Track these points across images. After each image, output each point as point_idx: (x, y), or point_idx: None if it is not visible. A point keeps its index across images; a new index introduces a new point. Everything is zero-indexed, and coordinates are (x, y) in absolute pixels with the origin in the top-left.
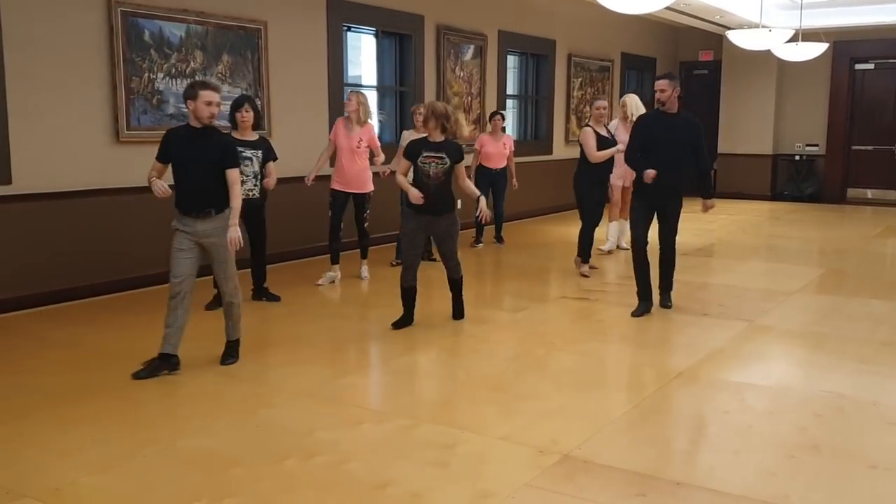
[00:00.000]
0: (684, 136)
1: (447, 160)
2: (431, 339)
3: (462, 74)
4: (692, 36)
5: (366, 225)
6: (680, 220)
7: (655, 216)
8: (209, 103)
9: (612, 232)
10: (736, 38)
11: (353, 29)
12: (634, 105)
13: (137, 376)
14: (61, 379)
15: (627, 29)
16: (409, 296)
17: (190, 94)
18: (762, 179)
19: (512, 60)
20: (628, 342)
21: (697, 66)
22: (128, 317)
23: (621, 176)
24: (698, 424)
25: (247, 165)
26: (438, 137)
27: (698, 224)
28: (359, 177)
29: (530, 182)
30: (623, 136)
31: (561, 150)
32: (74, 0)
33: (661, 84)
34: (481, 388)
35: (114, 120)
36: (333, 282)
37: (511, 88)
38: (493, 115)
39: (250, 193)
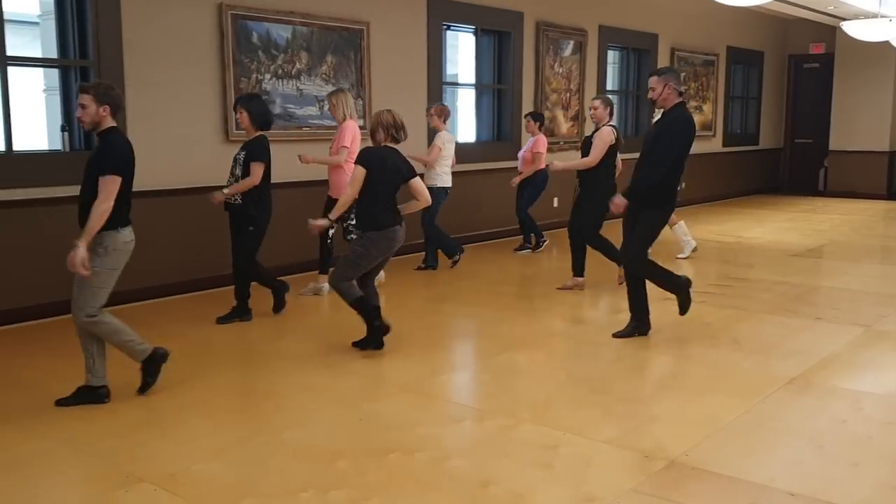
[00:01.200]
0: (653, 138)
1: None
2: (530, 339)
3: (561, 71)
4: (802, 28)
5: (347, 237)
6: (648, 232)
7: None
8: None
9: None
10: (852, 29)
11: (452, 27)
12: None
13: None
14: (173, 368)
15: (734, 21)
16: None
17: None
18: (877, 177)
19: (612, 56)
20: (737, 346)
21: (808, 60)
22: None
23: None
24: (813, 433)
25: (234, 167)
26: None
27: (809, 224)
28: (334, 181)
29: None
30: None
31: None
32: (188, 4)
33: (650, 82)
34: (583, 389)
35: (224, 120)
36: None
37: (611, 84)
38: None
39: (231, 198)
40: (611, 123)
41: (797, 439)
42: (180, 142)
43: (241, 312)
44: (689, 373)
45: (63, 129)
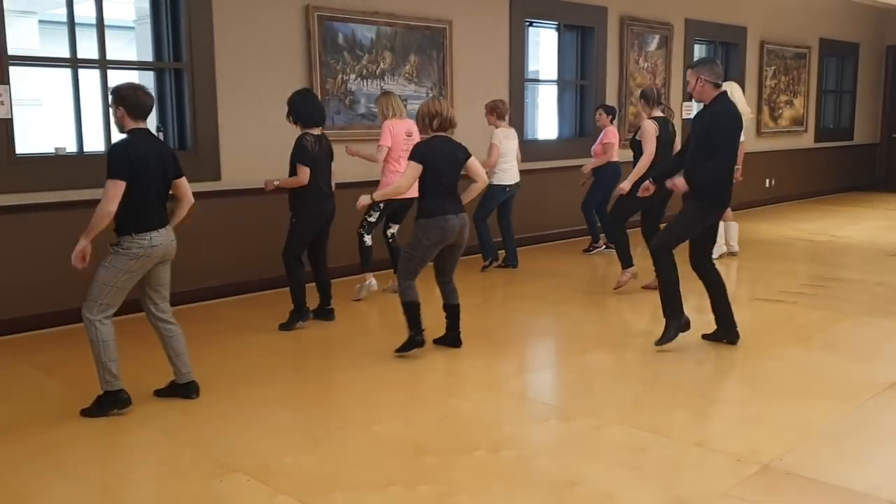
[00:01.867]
0: (701, 129)
1: None
2: (615, 339)
3: (646, 66)
4: None
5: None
6: (689, 227)
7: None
8: None
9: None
10: None
11: (535, 24)
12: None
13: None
14: (262, 362)
15: (827, 12)
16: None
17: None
18: None
19: (700, 50)
20: (832, 349)
21: None
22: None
23: None
24: None
25: None
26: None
27: None
28: (382, 182)
29: None
30: None
31: (752, 143)
32: (276, 7)
33: (686, 75)
34: (671, 390)
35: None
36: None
37: None
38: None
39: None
40: (655, 116)
41: None
42: (270, 141)
43: (297, 315)
44: (782, 375)
45: (158, 129)
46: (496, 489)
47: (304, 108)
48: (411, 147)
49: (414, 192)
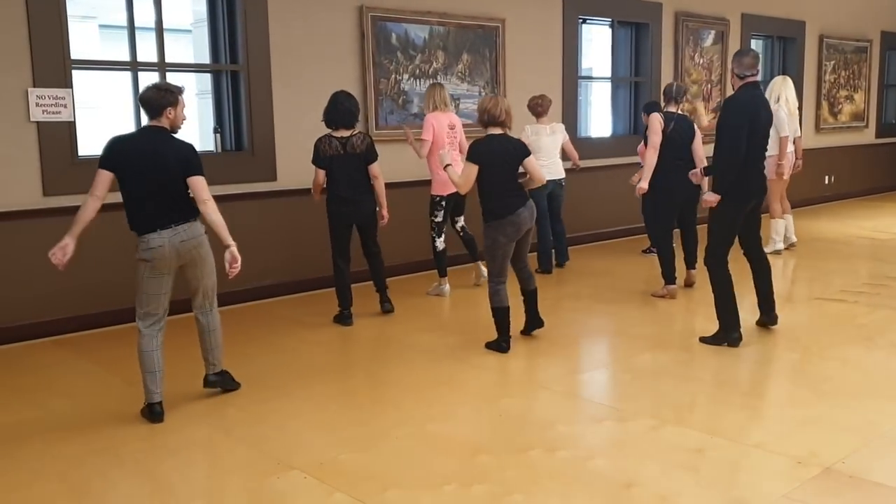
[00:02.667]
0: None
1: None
2: (670, 339)
3: (701, 61)
4: None
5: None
6: (717, 227)
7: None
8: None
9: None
10: None
11: (588, 20)
12: (778, 87)
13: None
14: (318, 360)
15: (889, 4)
16: (505, 316)
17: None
18: None
19: (756, 44)
20: (895, 349)
21: None
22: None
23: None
24: None
25: None
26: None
27: None
28: (432, 178)
29: None
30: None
31: (810, 139)
32: (330, 8)
33: None
34: (729, 391)
35: (364, 120)
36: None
37: None
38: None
39: None
40: (667, 110)
41: None
42: None
43: (338, 317)
44: (844, 376)
45: (215, 130)
46: (551, 489)
47: (327, 110)
48: (455, 139)
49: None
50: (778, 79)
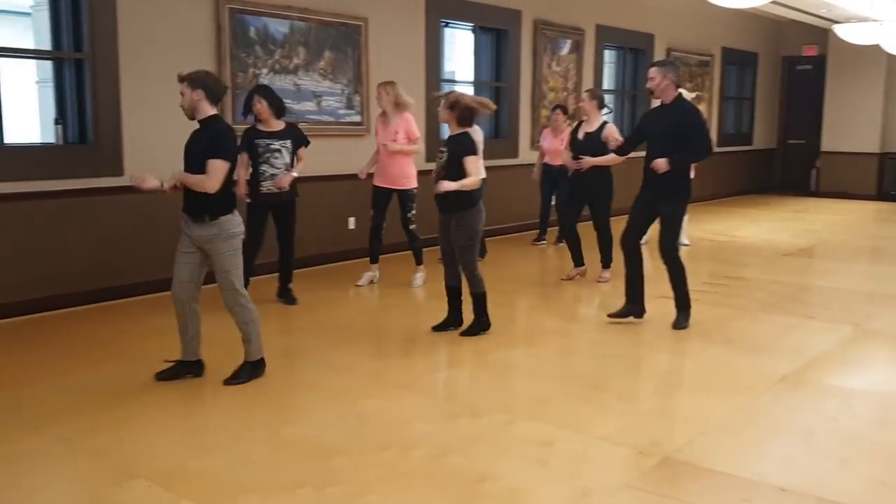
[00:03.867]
0: (673, 128)
1: (445, 154)
2: (525, 337)
3: (558, 69)
4: (796, 30)
5: (412, 227)
6: (678, 224)
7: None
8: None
9: None
10: (843, 31)
11: (451, 24)
12: None
13: (159, 377)
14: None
15: (728, 23)
16: (450, 295)
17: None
18: (868, 179)
19: (609, 55)
20: (730, 344)
21: (801, 62)
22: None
23: None
24: (804, 430)
25: (276, 158)
26: (455, 130)
27: (801, 224)
28: (400, 172)
29: (623, 178)
30: None
31: None
32: None
33: (650, 72)
34: (578, 386)
35: (220, 113)
36: (372, 282)
37: (608, 83)
38: (554, 108)
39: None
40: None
41: (788, 436)
42: (176, 136)
43: (289, 297)
44: (683, 370)
45: (57, 121)
46: (406, 487)
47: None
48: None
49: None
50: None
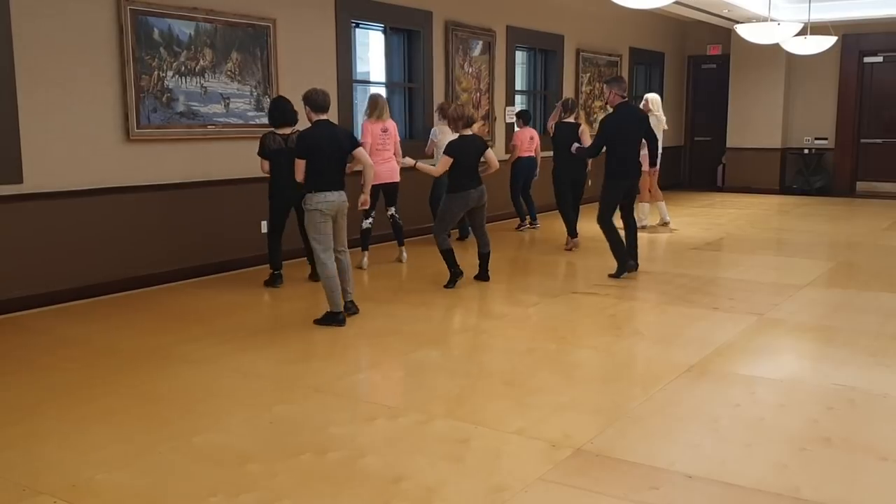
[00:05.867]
0: (638, 127)
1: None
2: (443, 336)
3: (471, 70)
4: (700, 30)
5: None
6: (604, 198)
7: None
8: None
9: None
10: (744, 31)
11: (361, 25)
12: (654, 102)
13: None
14: (75, 376)
15: (635, 23)
16: (450, 255)
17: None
18: (771, 173)
19: (520, 56)
20: (639, 336)
21: (706, 61)
22: (138, 314)
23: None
24: (710, 418)
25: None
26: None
27: (708, 218)
28: (394, 168)
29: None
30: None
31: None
32: None
33: (603, 88)
34: (495, 382)
35: (124, 118)
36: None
37: (520, 84)
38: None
39: None
40: (566, 120)
41: (695, 424)
42: (79, 140)
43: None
44: (595, 363)
45: None
46: (321, 491)
47: (270, 111)
48: (388, 140)
49: (397, 177)
50: (654, 96)
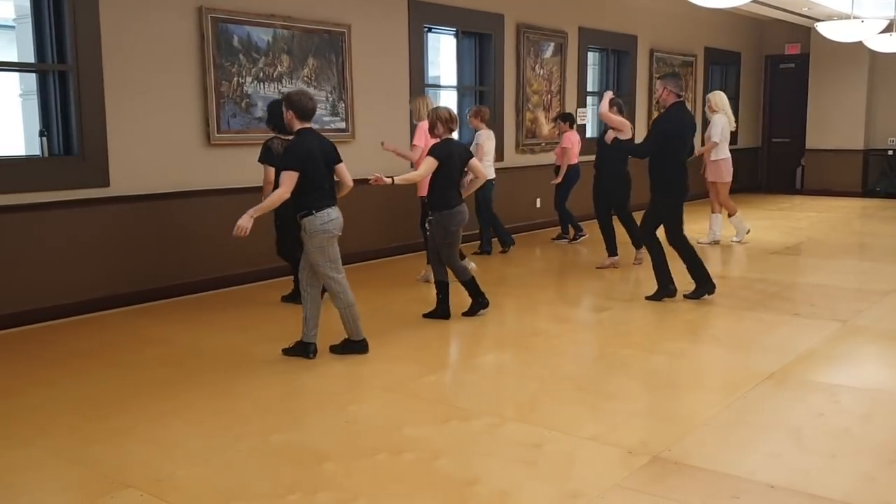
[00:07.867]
0: (690, 129)
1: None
2: (514, 339)
3: (542, 72)
4: (778, 29)
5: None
6: (661, 217)
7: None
8: None
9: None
10: (826, 29)
11: (433, 30)
12: (719, 101)
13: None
14: (158, 374)
15: (711, 23)
16: (439, 289)
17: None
18: (853, 175)
19: (592, 57)
20: (717, 343)
21: (784, 60)
22: (217, 314)
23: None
24: (792, 427)
25: None
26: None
27: (787, 222)
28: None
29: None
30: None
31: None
32: (168, 7)
33: (655, 84)
34: (567, 387)
35: (205, 123)
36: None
37: (591, 85)
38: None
39: None
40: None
41: (776, 433)
42: (162, 145)
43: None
44: (671, 369)
45: (41, 134)
46: (396, 491)
47: (271, 115)
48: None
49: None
50: (720, 94)
